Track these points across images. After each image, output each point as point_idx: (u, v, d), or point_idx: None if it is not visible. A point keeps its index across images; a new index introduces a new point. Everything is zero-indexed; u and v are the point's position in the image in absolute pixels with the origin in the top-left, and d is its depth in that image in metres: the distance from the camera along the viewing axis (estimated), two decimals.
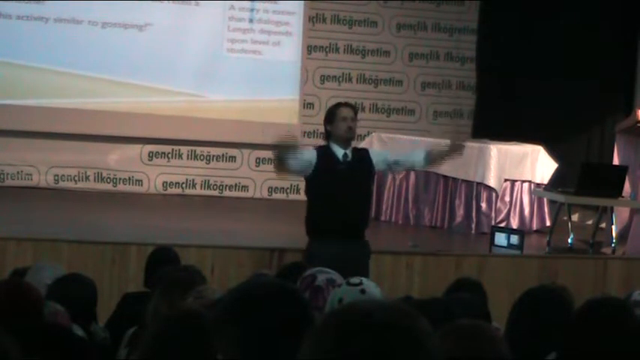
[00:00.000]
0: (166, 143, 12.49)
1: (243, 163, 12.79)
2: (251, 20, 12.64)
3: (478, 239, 10.54)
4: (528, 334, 3.80)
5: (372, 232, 7.36)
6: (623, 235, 10.23)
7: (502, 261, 9.05)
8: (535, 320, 3.85)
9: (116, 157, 12.33)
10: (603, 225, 10.58)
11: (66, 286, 5.11)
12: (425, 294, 6.97)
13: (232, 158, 12.75)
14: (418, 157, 7.32)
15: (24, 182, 11.96)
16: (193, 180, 12.60)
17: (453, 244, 10.44)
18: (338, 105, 7.30)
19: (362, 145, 10.63)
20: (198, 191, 12.58)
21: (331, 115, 7.16)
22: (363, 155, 7.24)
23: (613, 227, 10.18)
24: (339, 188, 6.98)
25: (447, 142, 7.25)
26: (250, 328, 2.48)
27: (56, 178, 12.11)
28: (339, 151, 7.08)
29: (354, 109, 7.29)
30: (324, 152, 7.13)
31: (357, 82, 13.24)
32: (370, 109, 13.21)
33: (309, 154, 7.08)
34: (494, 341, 3.01)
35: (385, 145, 11.52)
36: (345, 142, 7.10)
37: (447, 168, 11.16)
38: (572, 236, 10.15)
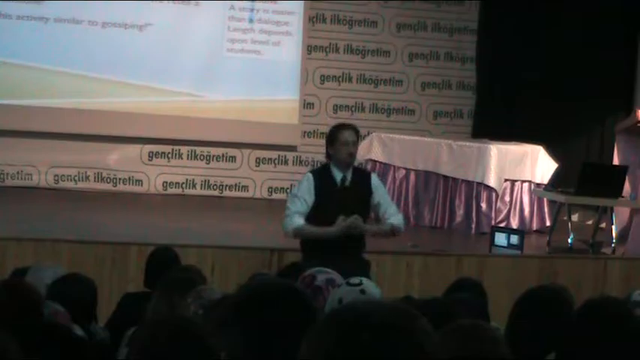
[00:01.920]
0: (166, 143, 12.49)
1: (243, 163, 12.79)
2: (251, 20, 12.64)
3: (478, 239, 10.54)
4: (528, 334, 3.80)
5: (374, 237, 7.36)
6: (623, 235, 10.24)
7: (502, 261, 9.05)
8: (535, 320, 3.85)
9: (116, 157, 12.32)
10: (603, 225, 10.58)
11: (66, 286, 5.11)
12: (425, 294, 6.96)
13: (232, 158, 12.75)
14: (391, 220, 7.16)
15: (24, 182, 11.96)
16: (193, 180, 12.60)
17: (453, 244, 10.44)
18: (340, 128, 7.13)
19: (360, 146, 10.63)
20: (198, 191, 12.58)
21: (332, 138, 7.03)
22: (364, 179, 7.15)
23: (613, 227, 10.18)
24: (337, 213, 6.91)
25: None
26: (255, 327, 2.48)
27: (56, 178, 12.11)
28: (338, 175, 7.01)
29: (357, 131, 7.13)
30: (322, 175, 7.06)
31: (357, 82, 13.24)
32: (370, 109, 13.21)
33: (306, 197, 6.95)
34: (494, 341, 3.01)
35: (385, 146, 11.53)
36: (345, 167, 7.03)
37: (447, 168, 11.20)
38: (572, 236, 10.14)
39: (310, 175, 7.10)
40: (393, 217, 7.19)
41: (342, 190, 6.99)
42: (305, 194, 6.97)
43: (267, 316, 2.50)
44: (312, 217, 7.00)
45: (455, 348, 2.85)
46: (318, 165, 7.45)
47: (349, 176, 7.03)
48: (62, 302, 4.56)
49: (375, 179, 7.29)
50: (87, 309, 5.11)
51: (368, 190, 7.10)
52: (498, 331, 3.61)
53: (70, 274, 5.46)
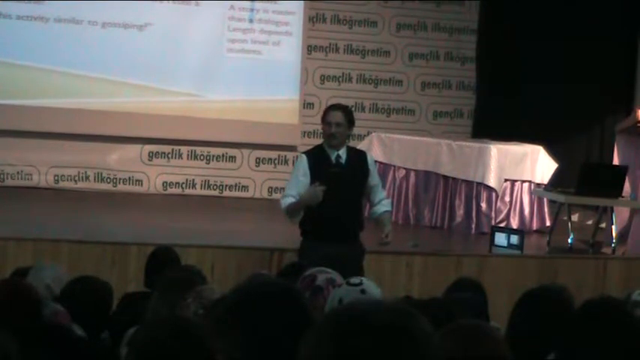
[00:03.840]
0: (166, 143, 12.49)
1: (243, 163, 12.79)
2: (251, 20, 12.64)
3: (478, 239, 10.54)
4: (528, 334, 3.80)
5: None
6: (623, 235, 10.24)
7: (502, 261, 9.05)
8: (535, 320, 3.85)
9: (116, 157, 12.32)
10: (603, 225, 10.58)
11: (81, 288, 5.08)
12: (425, 294, 6.96)
13: (232, 158, 12.75)
14: (379, 209, 7.23)
15: (24, 182, 11.96)
16: (193, 180, 12.60)
17: (453, 244, 10.44)
18: (330, 108, 7.25)
19: (360, 145, 10.64)
20: (198, 191, 12.58)
21: (323, 116, 7.17)
22: (360, 158, 7.19)
23: (613, 227, 10.18)
24: (332, 190, 6.92)
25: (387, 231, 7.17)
26: (251, 328, 2.48)
27: (56, 178, 12.10)
28: (332, 153, 7.04)
29: (346, 112, 7.11)
30: (316, 154, 7.11)
31: (357, 82, 13.24)
32: (370, 109, 13.21)
33: (301, 177, 6.99)
34: (494, 341, 3.01)
35: (385, 146, 11.53)
36: (332, 146, 7.04)
37: (447, 168, 11.20)
38: (572, 236, 10.14)
39: (304, 156, 7.15)
40: (384, 203, 7.31)
41: (336, 166, 7.02)
42: (300, 175, 7.04)
43: (264, 316, 2.50)
44: None
45: (455, 348, 2.85)
46: None
47: (344, 155, 7.06)
48: (76, 305, 4.58)
49: (370, 159, 7.34)
50: (101, 313, 5.09)
51: (365, 170, 7.14)
52: (498, 331, 3.61)
53: (84, 277, 5.43)
